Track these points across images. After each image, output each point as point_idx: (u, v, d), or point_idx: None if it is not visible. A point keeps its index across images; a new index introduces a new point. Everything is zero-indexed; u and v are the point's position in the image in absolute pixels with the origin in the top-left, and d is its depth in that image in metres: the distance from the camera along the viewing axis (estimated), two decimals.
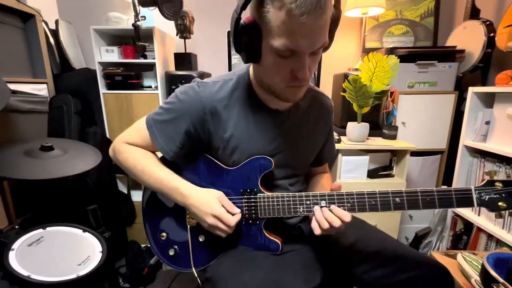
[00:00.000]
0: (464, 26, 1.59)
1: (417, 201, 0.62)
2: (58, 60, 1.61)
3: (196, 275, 0.73)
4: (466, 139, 1.35)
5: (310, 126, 0.78)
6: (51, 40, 1.56)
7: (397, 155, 1.48)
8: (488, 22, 1.45)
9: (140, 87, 1.67)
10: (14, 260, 0.80)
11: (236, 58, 1.61)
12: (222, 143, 0.70)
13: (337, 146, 1.31)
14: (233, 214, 0.66)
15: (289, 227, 0.79)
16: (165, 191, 0.69)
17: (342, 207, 0.64)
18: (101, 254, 0.91)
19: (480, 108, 1.31)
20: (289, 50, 0.54)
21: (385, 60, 1.25)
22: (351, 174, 1.42)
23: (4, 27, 1.29)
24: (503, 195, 0.60)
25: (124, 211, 1.67)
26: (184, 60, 1.66)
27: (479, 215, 1.33)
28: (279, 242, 0.70)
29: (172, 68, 1.77)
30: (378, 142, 1.44)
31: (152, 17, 1.62)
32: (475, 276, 0.95)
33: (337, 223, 0.60)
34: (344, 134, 1.50)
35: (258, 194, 0.70)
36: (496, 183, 0.60)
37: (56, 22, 1.63)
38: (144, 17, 1.45)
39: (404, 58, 1.46)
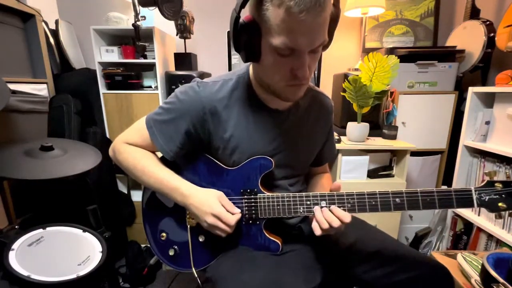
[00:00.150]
0: (464, 26, 1.59)
1: (417, 201, 0.62)
2: (58, 60, 1.61)
3: (196, 275, 0.74)
4: (466, 139, 1.35)
5: (310, 126, 0.78)
6: (51, 40, 1.56)
7: (397, 155, 1.48)
8: (488, 22, 1.45)
9: (140, 87, 1.67)
10: (14, 260, 0.80)
11: (236, 58, 1.61)
12: (222, 143, 0.70)
13: (337, 146, 1.31)
14: (233, 214, 0.66)
15: (289, 227, 0.79)
16: (165, 191, 0.69)
17: (342, 208, 0.64)
18: (101, 254, 0.91)
19: (480, 108, 1.31)
20: (289, 48, 0.54)
21: (385, 60, 1.25)
22: (351, 174, 1.42)
23: (4, 27, 1.29)
24: (503, 195, 0.60)
25: (124, 211, 1.67)
26: (184, 60, 1.66)
27: (479, 215, 1.33)
28: (279, 242, 0.70)
29: (172, 68, 1.77)
30: (378, 142, 1.44)
31: (152, 17, 1.62)
32: (475, 276, 0.95)
33: (336, 223, 0.61)
34: (344, 134, 1.50)
35: (258, 194, 0.69)
36: (496, 184, 0.60)
37: (56, 22, 1.63)
38: (144, 17, 1.45)
39: (404, 58, 1.46)
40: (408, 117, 1.58)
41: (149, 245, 0.81)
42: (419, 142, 1.56)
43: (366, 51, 1.70)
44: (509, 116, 1.18)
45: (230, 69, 1.63)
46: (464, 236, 1.40)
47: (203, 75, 1.61)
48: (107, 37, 1.64)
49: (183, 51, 1.68)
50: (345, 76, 1.49)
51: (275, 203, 0.69)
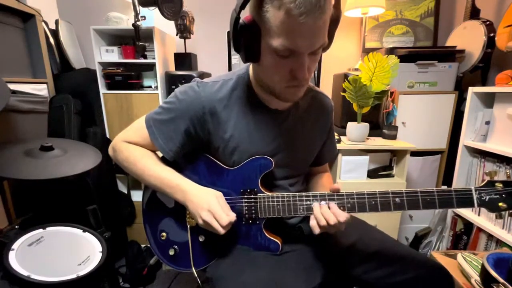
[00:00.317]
0: (464, 26, 1.59)
1: (417, 201, 0.62)
2: (58, 60, 1.61)
3: (196, 275, 0.73)
4: (466, 139, 1.35)
5: (310, 126, 0.78)
6: (51, 40, 1.56)
7: (397, 155, 1.48)
8: (488, 22, 1.45)
9: (140, 87, 1.67)
10: (14, 260, 0.80)
11: (236, 58, 1.61)
12: (222, 143, 0.70)
13: (337, 146, 1.31)
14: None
15: (289, 227, 0.79)
16: (166, 189, 0.69)
17: (342, 207, 0.64)
18: (101, 254, 0.91)
19: (480, 108, 1.31)
20: (288, 50, 0.54)
21: (385, 60, 1.25)
22: (351, 174, 1.42)
23: (4, 27, 1.29)
24: (503, 195, 0.60)
25: (124, 211, 1.67)
26: (184, 60, 1.66)
27: (479, 215, 1.33)
28: (279, 242, 0.70)
29: (172, 68, 1.77)
30: (378, 142, 1.44)
31: (152, 17, 1.62)
32: (475, 276, 0.95)
33: (333, 220, 0.61)
34: (344, 134, 1.50)
35: (258, 194, 0.70)
36: (496, 184, 0.60)
37: (56, 22, 1.63)
38: (144, 17, 1.45)
39: (404, 58, 1.46)
40: (408, 117, 1.58)
41: (149, 245, 0.81)
42: (419, 142, 1.56)
43: (366, 51, 1.70)
44: (509, 116, 1.18)
45: (230, 69, 1.63)
46: (464, 236, 1.40)
47: (203, 75, 1.61)
48: (107, 37, 1.64)
49: (183, 51, 1.68)
50: (345, 76, 1.49)
51: (275, 203, 0.69)
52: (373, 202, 0.64)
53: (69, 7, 1.81)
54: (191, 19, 1.62)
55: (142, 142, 0.72)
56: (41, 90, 1.43)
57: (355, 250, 0.72)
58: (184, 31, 1.61)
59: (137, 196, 1.72)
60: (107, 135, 1.64)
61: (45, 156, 1.02)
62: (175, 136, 0.69)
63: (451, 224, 1.46)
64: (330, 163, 1.45)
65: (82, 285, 0.81)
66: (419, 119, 1.58)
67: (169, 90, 1.61)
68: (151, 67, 1.68)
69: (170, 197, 0.69)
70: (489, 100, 1.29)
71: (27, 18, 1.39)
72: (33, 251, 0.86)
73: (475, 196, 0.60)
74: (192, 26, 1.65)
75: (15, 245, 0.85)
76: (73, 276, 0.80)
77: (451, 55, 1.55)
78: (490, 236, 1.26)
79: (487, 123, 1.27)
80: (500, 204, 0.60)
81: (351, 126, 1.44)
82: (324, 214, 0.62)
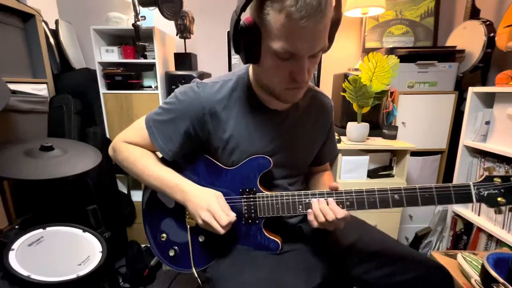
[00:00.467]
0: (464, 26, 1.59)
1: (416, 197, 0.62)
2: (58, 60, 1.61)
3: (196, 275, 0.73)
4: (466, 139, 1.35)
5: (310, 125, 0.78)
6: (51, 40, 1.56)
7: (397, 155, 1.48)
8: (488, 22, 1.45)
9: (140, 87, 1.67)
10: (14, 260, 0.80)
11: (236, 58, 1.61)
12: (222, 144, 0.70)
13: (337, 146, 1.31)
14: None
15: (289, 227, 0.79)
16: (165, 189, 0.69)
17: (341, 205, 0.64)
18: (101, 254, 0.91)
19: (480, 108, 1.31)
20: (288, 53, 0.54)
21: (385, 60, 1.25)
22: (351, 174, 1.42)
23: (4, 27, 1.29)
24: (502, 190, 0.59)
25: (124, 211, 1.67)
26: (184, 60, 1.66)
27: (479, 215, 1.33)
28: (279, 241, 0.70)
29: (172, 68, 1.77)
30: (378, 142, 1.44)
31: (152, 17, 1.62)
32: (475, 276, 0.95)
33: (331, 216, 0.61)
34: (344, 134, 1.50)
35: (257, 194, 0.70)
36: (495, 179, 0.60)
37: (56, 22, 1.63)
38: (144, 17, 1.45)
39: (404, 58, 1.46)
40: (408, 117, 1.58)
41: (149, 245, 0.81)
42: (419, 142, 1.56)
43: (366, 51, 1.70)
44: (509, 116, 1.18)
45: (230, 69, 1.63)
46: (464, 236, 1.40)
47: (203, 75, 1.61)
48: (107, 37, 1.64)
49: (183, 51, 1.68)
50: (345, 76, 1.49)
51: (274, 202, 0.69)
52: (372, 199, 0.64)
53: (69, 7, 1.81)
54: (191, 19, 1.62)
55: (142, 142, 0.72)
56: (41, 90, 1.43)
57: (355, 250, 0.72)
58: (184, 31, 1.61)
59: (137, 196, 1.72)
60: (107, 135, 1.64)
61: (45, 156, 1.02)
62: (174, 136, 0.69)
63: (451, 224, 1.46)
64: (331, 163, 1.45)
65: (82, 285, 0.81)
66: (419, 119, 1.58)
67: (169, 90, 1.61)
68: (151, 67, 1.68)
69: (170, 197, 0.69)
70: (489, 100, 1.29)
71: (27, 18, 1.39)
72: (33, 251, 0.86)
73: (473, 192, 0.60)
74: (192, 26, 1.65)
75: (15, 245, 0.85)
76: (73, 276, 0.80)
77: (451, 55, 1.55)
78: (490, 236, 1.26)
79: (487, 123, 1.27)
80: (499, 199, 0.59)
81: (351, 126, 1.44)
82: (323, 210, 0.62)
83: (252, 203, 0.70)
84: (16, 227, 1.11)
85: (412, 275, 0.65)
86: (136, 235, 1.72)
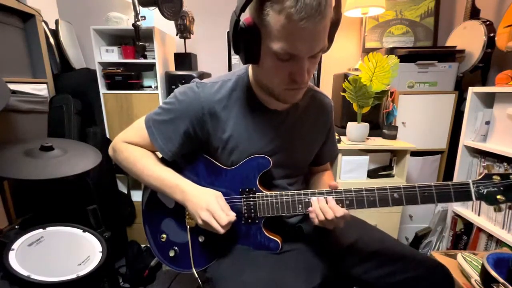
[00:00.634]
0: (464, 26, 1.59)
1: (415, 196, 0.62)
2: (58, 60, 1.61)
3: (196, 276, 0.73)
4: (466, 139, 1.35)
5: (309, 125, 0.78)
6: (51, 40, 1.56)
7: (397, 155, 1.48)
8: (488, 22, 1.45)
9: (140, 87, 1.67)
10: (14, 260, 0.80)
11: (236, 58, 1.61)
12: (221, 144, 0.70)
13: (337, 146, 1.32)
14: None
15: (289, 226, 0.79)
16: (165, 189, 0.69)
17: (340, 204, 0.64)
18: (101, 254, 0.91)
19: (480, 108, 1.31)
20: (288, 54, 0.54)
21: (385, 60, 1.25)
22: (351, 174, 1.42)
23: (4, 27, 1.29)
24: (501, 188, 0.59)
25: (124, 211, 1.67)
26: (184, 60, 1.66)
27: (479, 215, 1.33)
28: (278, 241, 0.70)
29: (172, 68, 1.77)
30: (378, 142, 1.44)
31: (152, 17, 1.62)
32: (475, 276, 0.95)
33: (330, 215, 0.61)
34: (344, 134, 1.50)
35: (257, 193, 0.70)
36: (494, 177, 0.60)
37: (56, 22, 1.63)
38: (144, 17, 1.45)
39: (404, 58, 1.46)
40: (408, 117, 1.58)
41: (149, 245, 0.81)
42: (419, 142, 1.56)
43: (366, 51, 1.70)
44: (509, 116, 1.18)
45: (230, 69, 1.63)
46: (464, 236, 1.40)
47: (203, 75, 1.61)
48: (107, 37, 1.64)
49: (183, 51, 1.68)
50: (345, 76, 1.49)
51: (274, 202, 0.69)
52: (371, 198, 0.64)
53: (69, 7, 1.81)
54: (191, 19, 1.62)
55: (142, 142, 0.72)
56: (41, 90, 1.43)
57: (355, 250, 0.72)
58: (184, 31, 1.61)
59: (137, 196, 1.72)
60: (107, 135, 1.64)
61: (45, 156, 1.02)
62: (174, 136, 0.69)
63: (451, 224, 1.46)
64: (331, 163, 1.45)
65: (82, 285, 0.81)
66: (419, 119, 1.58)
67: (169, 90, 1.61)
68: (151, 67, 1.68)
69: (170, 197, 0.70)
70: (489, 100, 1.29)
71: (27, 18, 1.39)
72: (33, 251, 0.86)
73: (472, 190, 0.60)
74: (192, 26, 1.65)
75: (15, 245, 0.85)
76: (73, 276, 0.80)
77: (451, 55, 1.55)
78: (490, 236, 1.26)
79: (487, 123, 1.27)
80: (498, 196, 0.59)
81: (351, 126, 1.44)
82: (322, 209, 0.62)
83: (251, 203, 0.70)
84: (16, 227, 1.11)
85: (412, 274, 0.65)
86: (136, 235, 1.72)
